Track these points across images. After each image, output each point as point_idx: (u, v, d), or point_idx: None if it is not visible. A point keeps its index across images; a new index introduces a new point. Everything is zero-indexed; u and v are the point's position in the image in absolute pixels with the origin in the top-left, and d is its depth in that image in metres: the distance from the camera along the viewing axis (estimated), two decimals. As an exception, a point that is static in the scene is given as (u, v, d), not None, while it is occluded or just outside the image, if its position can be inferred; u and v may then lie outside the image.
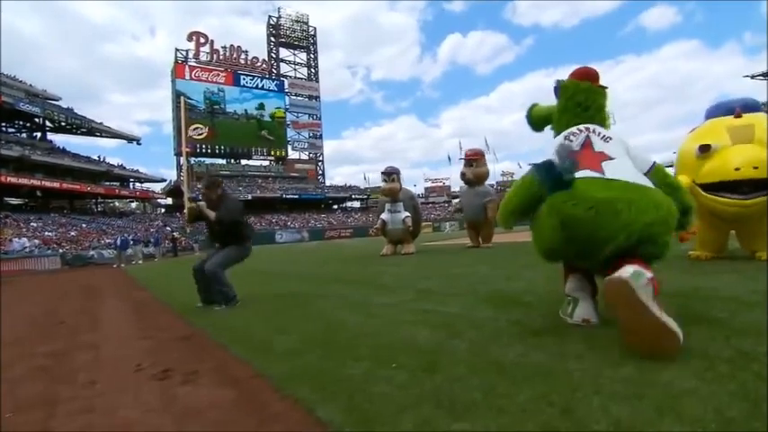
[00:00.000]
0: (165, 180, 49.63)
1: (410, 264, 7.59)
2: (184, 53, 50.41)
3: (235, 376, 2.17)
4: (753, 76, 50.38)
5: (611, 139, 2.49)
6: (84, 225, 32.59)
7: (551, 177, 2.08)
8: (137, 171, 44.70)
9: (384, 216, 10.80)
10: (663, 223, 2.06)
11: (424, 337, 2.47)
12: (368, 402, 1.61)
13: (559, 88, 2.78)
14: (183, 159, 41.61)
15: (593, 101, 2.67)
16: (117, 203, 46.70)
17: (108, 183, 41.14)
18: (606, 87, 2.78)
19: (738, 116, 3.99)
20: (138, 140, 46.01)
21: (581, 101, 2.66)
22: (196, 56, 50.80)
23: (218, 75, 51.69)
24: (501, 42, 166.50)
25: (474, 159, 11.06)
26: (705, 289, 3.03)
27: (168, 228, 28.27)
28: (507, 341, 2.24)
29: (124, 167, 43.45)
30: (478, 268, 5.79)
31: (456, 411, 1.46)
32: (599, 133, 2.51)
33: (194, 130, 48.16)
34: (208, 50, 51.41)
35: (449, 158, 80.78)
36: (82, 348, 3.21)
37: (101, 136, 43.93)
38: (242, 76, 53.43)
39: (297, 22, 58.40)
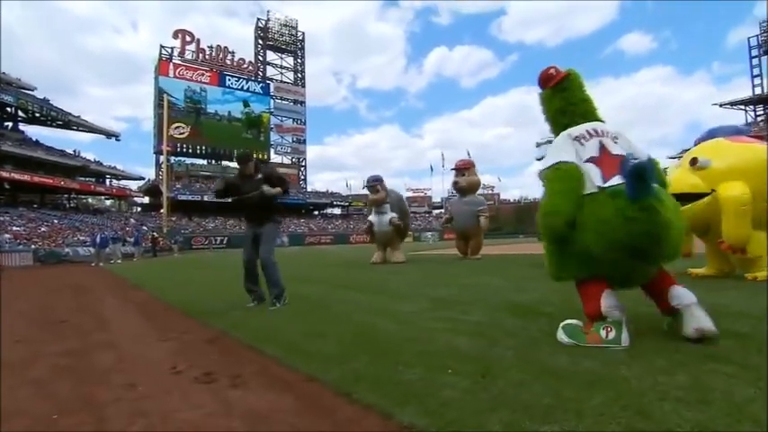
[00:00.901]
0: (143, 178, 48.34)
1: (409, 272, 7.65)
2: (169, 50, 49.55)
3: (284, 380, 2.17)
4: (721, 105, 53.18)
5: (617, 138, 2.49)
6: (55, 221, 31.31)
7: (644, 183, 2.01)
8: (114, 168, 43.37)
9: (371, 218, 10.81)
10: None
11: (464, 344, 2.53)
12: (443, 407, 1.65)
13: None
14: (163, 158, 40.72)
15: (572, 100, 2.71)
16: (90, 200, 45.10)
17: (83, 178, 39.72)
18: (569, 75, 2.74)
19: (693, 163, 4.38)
20: (117, 136, 44.70)
21: (563, 106, 2.72)
22: (181, 54, 50.01)
23: (203, 74, 50.96)
24: (486, 57, 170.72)
25: (465, 169, 11.18)
26: (718, 304, 3.20)
27: (145, 227, 27.44)
28: (549, 349, 2.32)
29: (101, 163, 42.09)
30: (484, 279, 5.91)
31: (536, 415, 1.52)
32: (607, 133, 2.49)
33: (176, 128, 47.31)
34: (193, 49, 50.69)
35: (431, 169, 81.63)
36: (99, 348, 3.13)
37: (77, 130, 42.49)
38: (227, 77, 52.82)
39: (285, 26, 58.28)
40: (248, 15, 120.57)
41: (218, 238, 39.60)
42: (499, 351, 2.34)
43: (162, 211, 37.43)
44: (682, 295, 2.32)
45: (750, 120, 51.48)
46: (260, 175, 4.26)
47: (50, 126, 41.09)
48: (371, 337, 2.81)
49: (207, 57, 51.56)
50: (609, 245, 2.18)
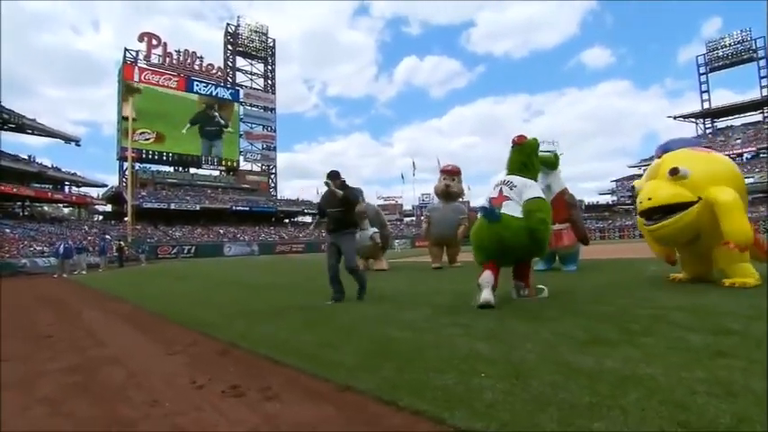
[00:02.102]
0: (105, 185, 46.15)
1: (396, 280, 7.70)
2: (134, 54, 47.85)
3: (317, 391, 2.18)
4: (675, 117, 56.64)
5: (515, 186, 4.31)
6: (7, 230, 29.41)
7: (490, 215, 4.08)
8: (74, 174, 41.25)
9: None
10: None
11: (484, 348, 2.61)
12: (490, 408, 1.72)
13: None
14: (127, 164, 39.15)
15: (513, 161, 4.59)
16: (47, 208, 42.68)
17: (39, 185, 37.56)
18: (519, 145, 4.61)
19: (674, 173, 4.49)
20: (77, 141, 42.51)
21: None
22: (147, 57, 48.38)
23: (171, 79, 49.45)
24: (455, 68, 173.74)
25: (456, 174, 10.93)
26: (706, 305, 3.44)
27: (108, 236, 26.17)
28: (567, 350, 2.44)
29: (59, 169, 39.92)
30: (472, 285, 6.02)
31: (583, 413, 1.61)
32: (508, 183, 4.37)
33: (141, 134, 45.63)
34: (160, 53, 49.18)
35: (402, 177, 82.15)
36: (105, 364, 3.01)
37: (32, 133, 40.16)
38: (195, 83, 51.51)
39: (256, 32, 57.55)
40: (217, 19, 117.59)
41: (186, 248, 38.30)
42: (521, 354, 2.43)
43: (126, 219, 35.90)
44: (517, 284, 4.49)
45: (700, 132, 55.00)
46: (341, 193, 4.94)
47: (2, 129, 38.70)
48: (389, 346, 2.84)
49: (174, 61, 50.14)
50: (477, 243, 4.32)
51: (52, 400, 2.33)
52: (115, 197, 44.40)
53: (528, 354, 2.42)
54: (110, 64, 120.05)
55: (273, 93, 59.75)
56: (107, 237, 24.59)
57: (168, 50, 49.77)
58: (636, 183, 5.20)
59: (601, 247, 19.77)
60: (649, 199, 4.52)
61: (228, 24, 56.88)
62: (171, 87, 49.36)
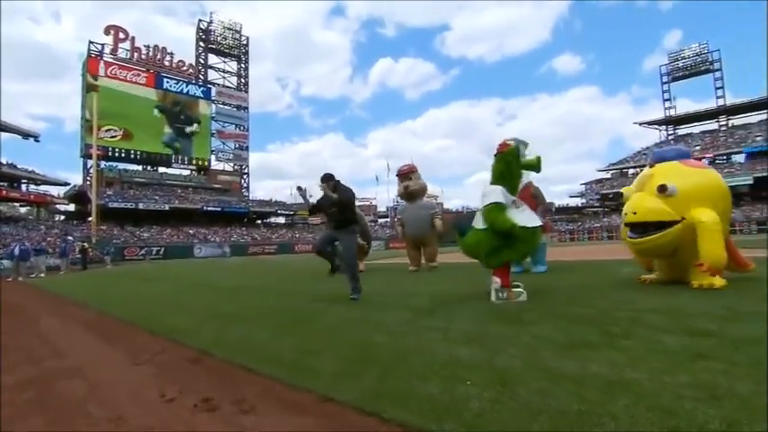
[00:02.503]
0: (67, 184, 44.03)
1: (373, 282, 7.58)
2: (99, 47, 45.89)
3: (296, 402, 2.07)
4: (640, 124, 59.09)
5: (482, 196, 4.60)
6: (-42, 232, 27.63)
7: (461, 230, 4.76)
8: (32, 171, 39.17)
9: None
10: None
11: (466, 353, 2.56)
12: (480, 419, 1.67)
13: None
14: (92, 162, 37.50)
15: (492, 169, 4.76)
16: (1, 207, 40.36)
17: (-8, 183, 35.52)
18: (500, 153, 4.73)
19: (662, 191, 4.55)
20: (35, 137, 40.44)
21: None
22: (113, 51, 46.53)
23: (139, 75, 47.70)
24: (429, 71, 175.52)
25: (411, 173, 10.66)
26: (680, 307, 3.51)
27: (70, 237, 24.88)
28: (551, 354, 2.42)
29: (15, 166, 37.83)
30: (449, 286, 6.02)
31: (574, 421, 1.58)
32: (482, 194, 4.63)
33: (107, 131, 43.85)
34: (128, 47, 47.38)
35: (376, 178, 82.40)
36: (63, 377, 2.79)
37: (-14, 129, 37.94)
38: (165, 79, 49.90)
39: (229, 29, 56.33)
40: (188, 15, 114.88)
41: (155, 249, 37.00)
42: (505, 359, 2.39)
43: (90, 219, 34.33)
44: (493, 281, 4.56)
45: (662, 138, 57.47)
46: (335, 195, 5.14)
47: (-47, 124, 36.38)
48: (371, 352, 2.75)
49: (143, 56, 48.42)
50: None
51: (3, 418, 2.13)
52: (78, 196, 42.42)
53: (511, 359, 2.39)
54: (72, 57, 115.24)
55: (246, 91, 58.63)
56: (69, 238, 23.38)
57: (136, 45, 48.07)
58: (624, 189, 5.25)
59: (572, 249, 20.31)
60: (634, 213, 4.62)
61: (201, 21, 55.49)
62: (139, 83, 47.65)
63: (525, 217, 4.58)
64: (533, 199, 7.58)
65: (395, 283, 7.18)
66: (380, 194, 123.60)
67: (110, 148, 44.80)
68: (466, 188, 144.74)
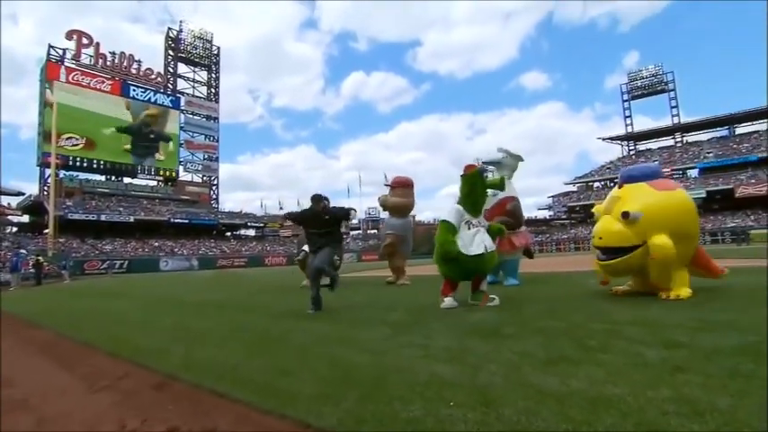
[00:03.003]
0: (22, 194, 41.75)
1: (349, 296, 7.45)
2: (61, 52, 44.19)
3: (273, 430, 1.95)
4: (603, 139, 61.81)
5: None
6: None
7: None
8: (-19, 182, 36.93)
9: (307, 248, 10.31)
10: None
11: (447, 372, 2.50)
12: (466, 443, 1.60)
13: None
14: (50, 171, 35.67)
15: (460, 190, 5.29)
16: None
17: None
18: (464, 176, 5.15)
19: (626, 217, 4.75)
20: (-13, 146, 38.24)
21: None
22: (76, 57, 44.90)
23: (103, 82, 46.17)
24: (401, 85, 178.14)
25: (396, 186, 10.18)
26: (653, 318, 3.59)
27: (23, 250, 23.39)
28: (532, 370, 2.39)
29: (-37, 177, 35.57)
30: (426, 300, 5.97)
31: (562, 443, 1.53)
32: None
33: (67, 139, 42.01)
34: (91, 53, 45.84)
35: (348, 190, 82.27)
36: (8, 410, 2.53)
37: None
38: (132, 87, 48.49)
39: (200, 38, 55.54)
40: (157, 23, 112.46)
41: (118, 262, 35.42)
42: (486, 377, 2.35)
43: (47, 231, 32.55)
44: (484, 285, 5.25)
45: (624, 153, 60.21)
46: (327, 217, 5.33)
47: None
48: (349, 372, 2.65)
49: (108, 63, 46.96)
50: None
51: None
52: (34, 207, 40.25)
53: (493, 377, 2.34)
54: (30, 61, 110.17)
55: (217, 101, 57.78)
56: (22, 251, 21.99)
57: (101, 51, 46.62)
58: (595, 209, 5.46)
59: (542, 260, 20.76)
60: (600, 238, 4.88)
61: (170, 29, 54.55)
62: (104, 91, 46.13)
63: (475, 240, 4.94)
64: (510, 215, 7.75)
65: (370, 298, 7.08)
66: (353, 205, 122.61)
67: (70, 157, 42.91)
68: (437, 200, 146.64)
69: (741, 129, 53.55)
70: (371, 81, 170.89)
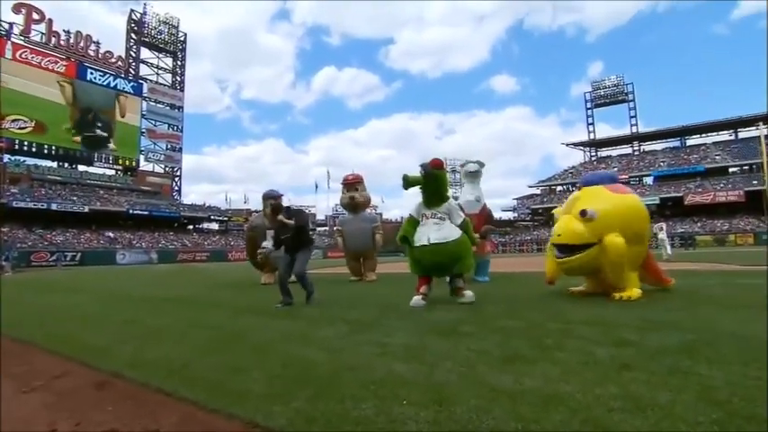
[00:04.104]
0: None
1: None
2: (6, 26, 41.14)
3: (223, 430, 1.86)
4: (567, 144, 64.04)
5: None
6: None
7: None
8: None
9: (267, 244, 10.16)
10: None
11: (404, 370, 2.48)
12: (417, 442, 1.57)
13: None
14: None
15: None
16: None
17: None
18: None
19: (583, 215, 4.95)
20: None
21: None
22: (25, 33, 41.92)
23: (57, 62, 43.41)
24: (373, 82, 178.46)
25: (357, 183, 10.52)
26: (605, 318, 3.72)
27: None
28: (488, 369, 2.41)
29: None
30: (389, 299, 5.97)
31: (511, 441, 1.54)
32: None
33: (14, 121, 39.32)
34: (43, 30, 42.93)
35: (316, 186, 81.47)
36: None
37: None
38: (89, 70, 45.90)
39: (165, 23, 53.30)
40: (118, 4, 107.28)
41: (69, 254, 33.53)
42: (442, 375, 2.35)
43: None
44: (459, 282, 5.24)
45: (586, 159, 62.64)
46: (293, 222, 5.41)
47: None
48: (304, 370, 2.58)
49: (62, 42, 44.16)
50: None
51: None
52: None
53: (449, 374, 2.34)
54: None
55: (182, 90, 55.77)
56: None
57: (54, 29, 43.71)
58: (555, 211, 5.70)
59: (505, 261, 21.29)
60: (559, 235, 5.06)
61: (133, 11, 52.12)
62: (57, 72, 43.40)
63: (430, 233, 5.06)
64: (487, 219, 8.68)
65: (333, 295, 6.99)
66: (320, 202, 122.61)
67: (17, 141, 40.19)
68: (405, 198, 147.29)
69: (691, 141, 56.94)
70: (343, 76, 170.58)
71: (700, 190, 46.67)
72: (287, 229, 5.42)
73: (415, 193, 5.34)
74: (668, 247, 15.90)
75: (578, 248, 4.84)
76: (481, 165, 8.96)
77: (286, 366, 2.66)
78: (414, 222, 5.28)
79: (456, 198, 7.55)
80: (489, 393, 2.01)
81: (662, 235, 15.80)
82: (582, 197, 5.18)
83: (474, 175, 8.79)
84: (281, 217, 5.43)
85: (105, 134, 47.10)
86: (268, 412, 1.94)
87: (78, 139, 44.82)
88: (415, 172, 5.38)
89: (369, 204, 11.01)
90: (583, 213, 4.80)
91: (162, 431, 1.88)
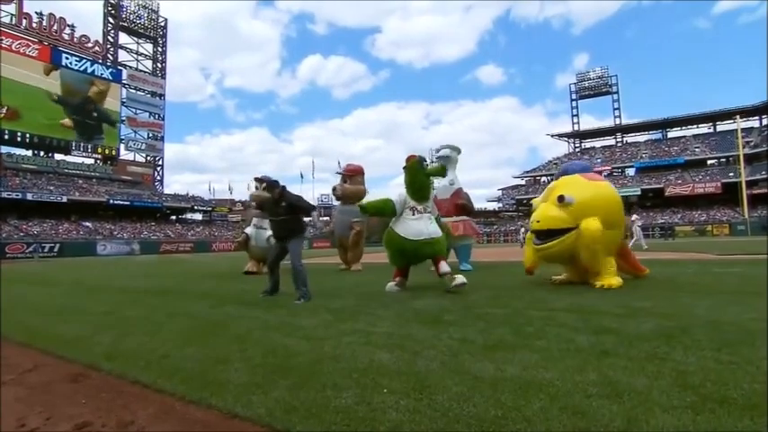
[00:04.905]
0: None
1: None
2: (-25, 8, 39.25)
3: (197, 421, 1.83)
4: (552, 135, 64.58)
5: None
6: None
7: None
8: None
9: (249, 230, 10.09)
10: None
11: (386, 358, 2.48)
12: (397, 430, 1.57)
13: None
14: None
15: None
16: None
17: None
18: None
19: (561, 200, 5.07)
20: None
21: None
22: (-6, 15, 40.05)
23: (29, 46, 41.61)
24: (359, 71, 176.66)
25: (351, 176, 10.73)
26: (586, 306, 3.77)
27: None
28: (470, 357, 2.42)
29: None
30: (375, 287, 5.96)
31: (489, 427, 1.55)
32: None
33: (-14, 108, 37.83)
34: (13, 11, 40.93)
35: (301, 176, 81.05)
36: None
37: None
38: (64, 55, 44.23)
39: (144, 8, 51.58)
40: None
41: (48, 246, 32.63)
42: (425, 363, 2.35)
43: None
44: (444, 268, 5.22)
45: (571, 150, 63.34)
46: (284, 203, 5.12)
47: None
48: (285, 359, 2.56)
49: (34, 25, 42.31)
50: None
51: None
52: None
53: (431, 363, 2.35)
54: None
55: (163, 77, 54.28)
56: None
57: (25, 11, 41.79)
58: (534, 201, 5.85)
59: (490, 250, 21.51)
60: (538, 221, 5.14)
61: (110, -7, 50.06)
62: (29, 56, 41.64)
63: (416, 227, 5.25)
64: (461, 208, 8.78)
65: (318, 285, 6.93)
66: (305, 192, 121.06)
67: (-10, 129, 38.76)
68: (392, 188, 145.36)
69: (672, 133, 57.99)
70: (329, 65, 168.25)
71: (680, 182, 47.72)
72: (280, 211, 5.16)
73: (397, 185, 5.49)
74: (642, 238, 16.45)
75: (557, 233, 4.93)
76: (455, 150, 9.09)
77: (267, 356, 2.64)
78: (392, 207, 5.42)
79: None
80: (471, 381, 2.02)
81: (637, 224, 16.44)
82: (558, 185, 5.30)
83: (447, 160, 8.72)
84: (274, 192, 5.19)
85: (96, 123, 45.79)
86: (247, 402, 1.92)
87: (67, 122, 43.42)
88: (402, 162, 5.55)
89: (358, 197, 11.02)
90: (560, 199, 4.92)
91: (138, 423, 1.84)
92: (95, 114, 46.06)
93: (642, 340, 2.55)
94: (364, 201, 5.80)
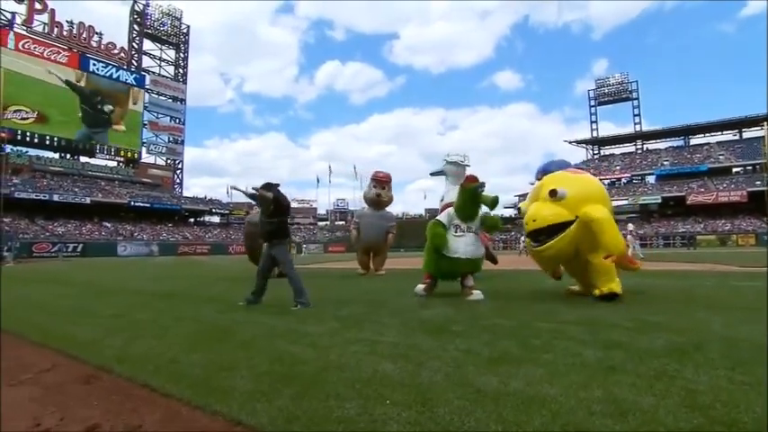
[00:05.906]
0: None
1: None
2: (9, 15, 40.95)
3: (202, 428, 1.86)
4: (570, 142, 63.73)
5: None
6: None
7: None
8: None
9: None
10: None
11: (391, 369, 2.48)
12: (396, 443, 1.57)
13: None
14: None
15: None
16: None
17: None
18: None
19: (553, 195, 4.90)
20: None
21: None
22: (28, 23, 41.73)
23: (60, 53, 43.22)
24: (376, 77, 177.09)
25: (386, 182, 11.09)
26: (597, 318, 3.71)
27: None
28: (474, 370, 2.40)
29: None
30: (386, 295, 5.97)
31: (489, 444, 1.53)
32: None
33: (16, 112, 39.32)
34: (46, 20, 42.72)
35: (317, 181, 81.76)
36: None
37: None
38: (92, 61, 45.74)
39: (168, 15, 53.04)
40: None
41: (71, 245, 33.61)
42: (429, 375, 2.34)
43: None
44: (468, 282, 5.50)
45: (588, 157, 62.36)
46: (272, 207, 5.09)
47: None
48: (290, 367, 2.58)
49: (65, 33, 43.96)
50: None
51: None
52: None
53: (435, 374, 2.34)
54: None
55: (184, 82, 55.60)
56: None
57: (57, 20, 43.52)
58: (521, 204, 5.72)
59: (505, 258, 21.25)
60: (534, 221, 4.88)
61: (136, 2, 51.70)
62: (60, 63, 43.25)
63: (457, 246, 5.37)
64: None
65: (328, 291, 7.00)
66: (321, 197, 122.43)
67: (19, 132, 40.20)
68: (407, 194, 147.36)
69: (695, 140, 56.57)
70: (346, 71, 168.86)
71: (702, 190, 46.45)
72: (266, 206, 5.12)
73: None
74: (638, 248, 16.66)
75: (555, 231, 4.72)
76: (453, 165, 7.71)
77: (273, 363, 2.67)
78: (443, 230, 5.46)
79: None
80: (473, 395, 2.01)
81: (633, 234, 16.62)
82: (546, 183, 5.13)
83: (448, 173, 7.80)
84: (275, 191, 5.12)
85: (107, 115, 46.83)
86: (252, 410, 1.94)
87: (80, 113, 44.65)
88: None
89: (390, 204, 11.41)
90: (553, 193, 4.74)
91: (145, 428, 1.89)
92: (100, 108, 46.78)
93: (652, 356, 2.50)
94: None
